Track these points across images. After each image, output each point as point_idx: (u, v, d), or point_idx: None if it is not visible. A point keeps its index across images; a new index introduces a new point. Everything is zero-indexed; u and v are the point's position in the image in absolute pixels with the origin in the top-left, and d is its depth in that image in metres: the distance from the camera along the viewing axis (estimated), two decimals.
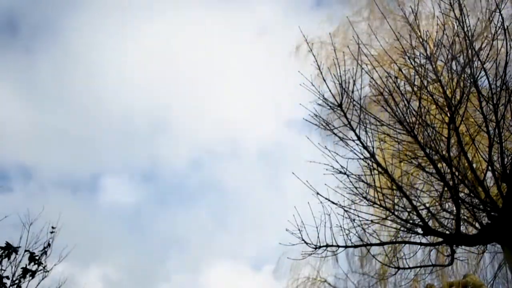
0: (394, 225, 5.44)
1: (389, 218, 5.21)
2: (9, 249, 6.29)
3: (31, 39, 14.59)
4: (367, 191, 5.26)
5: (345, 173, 5.23)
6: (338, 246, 5.17)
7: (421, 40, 5.09)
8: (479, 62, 4.40)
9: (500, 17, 4.33)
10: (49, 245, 6.76)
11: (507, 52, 4.23)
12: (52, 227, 6.83)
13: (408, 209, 4.99)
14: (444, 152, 4.63)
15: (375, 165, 5.07)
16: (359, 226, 5.19)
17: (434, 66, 5.10)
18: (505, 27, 4.28)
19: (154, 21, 15.21)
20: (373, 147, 5.07)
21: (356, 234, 5.21)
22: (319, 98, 5.25)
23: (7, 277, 6.19)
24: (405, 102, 4.84)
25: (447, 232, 4.90)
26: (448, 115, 4.59)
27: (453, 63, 4.73)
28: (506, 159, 4.40)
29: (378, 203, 4.98)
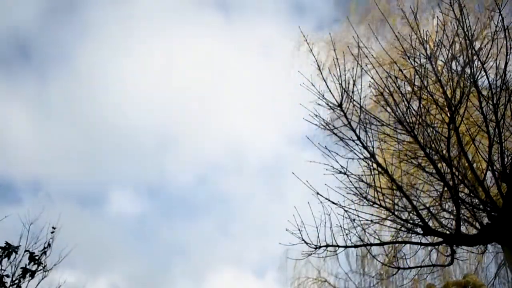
0: (394, 225, 5.44)
1: (389, 218, 5.21)
2: (9, 249, 6.29)
3: (42, 65, 15.61)
4: (367, 191, 5.26)
5: (345, 173, 5.23)
6: (338, 246, 5.17)
7: (421, 40, 5.09)
8: (479, 62, 4.40)
9: (500, 17, 4.33)
10: (49, 245, 6.76)
11: (507, 52, 4.23)
12: (53, 227, 6.84)
13: (408, 209, 4.99)
14: (444, 152, 4.63)
15: (375, 165, 5.07)
16: (359, 226, 5.19)
17: (434, 66, 5.10)
18: (505, 27, 4.27)
19: (158, 42, 15.92)
20: (373, 147, 5.07)
21: (356, 234, 5.20)
22: (319, 98, 5.25)
23: (7, 276, 6.19)
24: (405, 102, 4.84)
25: (447, 232, 4.89)
26: (448, 115, 4.58)
27: (453, 63, 4.73)
28: (506, 159, 4.40)
29: (378, 203, 4.98)
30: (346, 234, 5.06)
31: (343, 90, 5.07)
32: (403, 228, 5.14)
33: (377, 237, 5.46)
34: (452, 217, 5.18)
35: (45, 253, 6.65)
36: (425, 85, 4.85)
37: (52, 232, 6.81)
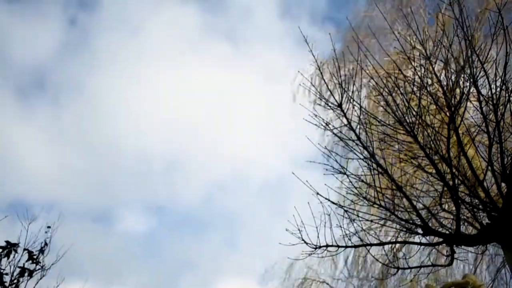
0: (394, 225, 5.44)
1: (389, 218, 5.21)
2: (9, 247, 6.29)
3: (57, 94, 16.93)
4: (367, 191, 5.26)
5: (345, 173, 5.23)
6: (338, 246, 5.16)
7: (420, 40, 5.09)
8: (478, 62, 4.40)
9: (500, 17, 4.33)
10: (46, 244, 6.75)
11: (507, 52, 4.23)
12: (48, 226, 6.82)
13: (408, 209, 4.99)
14: (444, 152, 4.63)
15: (375, 165, 5.07)
16: (359, 226, 5.19)
17: (434, 66, 5.11)
18: (505, 27, 4.28)
19: (167, 71, 16.98)
20: (373, 147, 5.07)
21: (356, 234, 5.20)
22: (319, 98, 5.26)
23: (7, 274, 6.18)
24: (405, 102, 4.84)
25: (447, 232, 4.89)
26: (448, 115, 4.59)
27: (453, 63, 4.73)
28: (506, 159, 4.40)
29: (378, 203, 4.98)
30: (346, 234, 5.06)
31: (343, 90, 5.08)
32: (403, 228, 5.13)
33: (377, 237, 5.47)
34: (452, 217, 5.18)
35: (42, 252, 6.64)
36: (425, 85, 4.85)
37: (46, 232, 6.79)
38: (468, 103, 4.61)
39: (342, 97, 5.11)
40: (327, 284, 12.07)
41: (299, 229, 5.08)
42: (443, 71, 5.08)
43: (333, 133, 5.31)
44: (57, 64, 17.28)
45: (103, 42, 17.20)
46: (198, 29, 18.25)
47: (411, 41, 5.18)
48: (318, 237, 5.03)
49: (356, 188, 5.20)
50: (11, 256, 6.31)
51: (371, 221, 5.34)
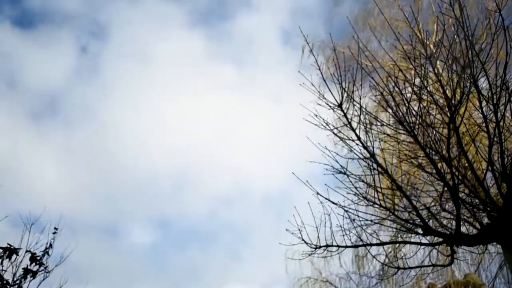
0: (394, 225, 5.44)
1: (389, 218, 5.21)
2: (10, 250, 6.29)
3: (68, 117, 18.11)
4: (367, 191, 5.27)
5: (345, 173, 5.23)
6: (338, 246, 5.16)
7: (421, 40, 5.09)
8: (479, 62, 4.40)
9: (500, 17, 4.33)
10: (50, 245, 6.76)
11: (507, 52, 4.22)
12: (55, 228, 6.83)
13: (408, 209, 4.99)
14: (444, 152, 4.63)
15: (375, 165, 5.07)
16: (359, 226, 5.19)
17: (434, 66, 5.11)
18: (505, 27, 4.27)
19: (173, 94, 18.13)
20: (373, 147, 5.07)
21: (356, 234, 5.21)
22: (319, 98, 5.25)
23: (7, 283, 6.19)
24: (405, 102, 4.84)
25: (447, 232, 4.89)
26: (448, 115, 4.58)
27: (453, 63, 4.73)
28: (506, 159, 4.40)
29: (378, 203, 4.98)
30: (346, 234, 5.06)
31: (343, 90, 5.07)
32: (403, 228, 5.14)
33: (377, 237, 5.47)
34: (452, 217, 5.18)
35: (47, 253, 6.64)
36: (425, 85, 4.85)
37: (54, 233, 6.80)
38: (469, 103, 4.61)
39: (342, 97, 5.11)
40: (330, 283, 12.09)
41: (299, 229, 5.08)
42: (444, 71, 5.08)
43: (333, 133, 5.31)
44: (69, 89, 18.46)
45: (112, 68, 18.54)
46: (204, 55, 19.39)
47: (412, 42, 5.17)
48: (318, 237, 5.04)
49: (356, 188, 5.20)
50: (13, 258, 6.32)
51: (371, 221, 5.35)
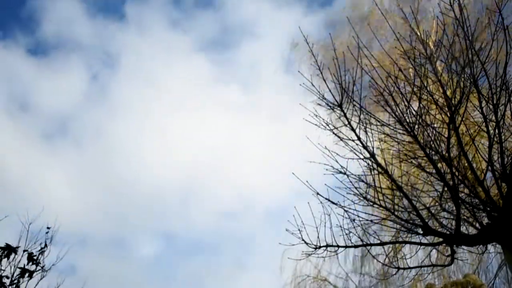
0: (394, 225, 5.43)
1: (389, 218, 5.20)
2: (9, 250, 6.29)
3: (79, 137, 19.16)
4: (367, 191, 5.26)
5: (345, 173, 5.23)
6: (338, 246, 5.16)
7: (421, 40, 5.09)
8: (479, 62, 4.39)
9: (500, 17, 4.32)
10: (46, 245, 6.75)
11: (507, 52, 4.22)
12: (47, 227, 6.83)
13: (408, 209, 4.99)
14: (444, 152, 4.63)
15: (375, 165, 5.07)
16: (359, 226, 5.19)
17: (434, 66, 5.10)
18: (505, 27, 4.27)
19: (179, 115, 19.43)
20: (373, 147, 5.07)
21: (356, 234, 5.20)
22: (319, 98, 5.25)
23: (7, 277, 6.19)
24: (405, 102, 4.84)
25: (447, 232, 4.89)
26: (448, 115, 4.58)
27: (453, 63, 4.72)
28: (506, 159, 4.40)
29: (378, 203, 4.98)
30: (346, 234, 5.06)
31: (343, 90, 5.07)
32: (403, 228, 5.13)
33: (377, 237, 5.46)
34: (452, 217, 5.18)
35: (43, 253, 6.64)
36: (425, 85, 4.85)
37: (47, 233, 6.79)
38: (469, 103, 4.60)
39: (342, 97, 5.11)
40: (329, 282, 12.10)
41: (299, 229, 5.08)
42: (444, 71, 5.07)
43: (333, 133, 5.30)
44: (79, 112, 19.70)
45: (121, 92, 19.97)
46: (209, 78, 20.61)
47: (412, 41, 5.16)
48: (318, 237, 5.03)
49: (356, 188, 5.20)
50: (11, 257, 6.31)
51: (371, 221, 5.34)
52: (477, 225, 4.78)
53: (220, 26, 21.51)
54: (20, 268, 6.35)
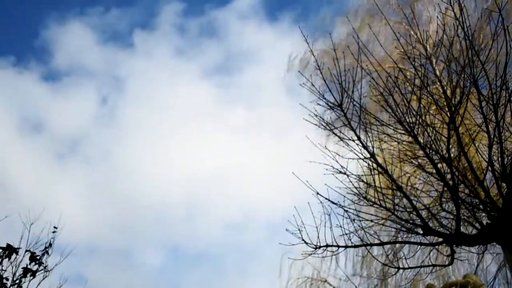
0: (394, 225, 5.44)
1: (389, 218, 5.21)
2: (10, 250, 6.30)
3: (89, 156, 20.21)
4: (367, 191, 5.26)
5: (345, 173, 5.23)
6: (338, 246, 5.16)
7: (420, 40, 5.09)
8: (479, 62, 4.40)
9: (500, 17, 4.32)
10: (50, 245, 6.76)
11: (507, 52, 4.22)
12: (54, 227, 6.83)
13: (408, 209, 4.99)
14: (444, 152, 4.63)
15: (375, 165, 5.07)
16: (359, 226, 5.19)
17: (434, 66, 5.11)
18: (505, 27, 4.27)
19: (185, 135, 20.59)
20: (373, 147, 5.07)
21: (356, 234, 5.20)
22: (319, 98, 5.25)
23: (7, 279, 6.19)
24: (405, 102, 4.84)
25: (447, 232, 4.89)
26: (448, 115, 4.58)
27: (453, 63, 4.73)
28: (506, 159, 4.40)
29: (378, 203, 4.98)
30: (346, 234, 5.06)
31: (343, 90, 5.07)
32: (403, 228, 5.14)
33: (377, 237, 5.47)
34: (452, 217, 5.18)
35: (47, 253, 6.65)
36: (425, 85, 4.85)
37: (53, 232, 6.80)
38: (468, 103, 4.61)
39: (342, 97, 5.11)
40: (328, 283, 12.09)
41: (299, 229, 5.08)
42: (444, 71, 5.08)
43: (333, 133, 5.31)
44: (89, 133, 21.08)
45: (128, 114, 21.25)
46: (213, 101, 21.88)
47: (412, 41, 5.17)
48: (318, 237, 5.04)
49: (356, 188, 5.20)
50: (13, 257, 6.32)
51: (371, 221, 5.34)
52: (477, 225, 4.79)
53: (224, 54, 22.75)
54: (22, 268, 6.36)
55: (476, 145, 4.96)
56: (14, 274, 6.31)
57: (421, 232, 4.91)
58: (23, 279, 6.32)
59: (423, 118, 4.79)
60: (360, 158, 5.14)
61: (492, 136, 4.35)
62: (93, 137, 21.11)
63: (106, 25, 21.90)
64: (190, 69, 22.85)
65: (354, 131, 5.08)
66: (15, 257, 6.37)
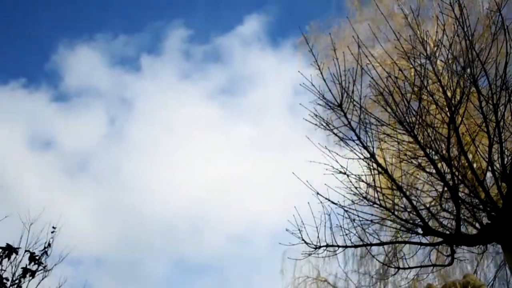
0: (394, 225, 5.44)
1: (389, 218, 5.21)
2: (9, 250, 6.29)
3: (98, 173, 21.18)
4: (367, 191, 5.26)
5: (345, 173, 5.23)
6: (338, 246, 5.16)
7: (421, 40, 5.09)
8: (479, 62, 4.39)
9: (500, 17, 4.32)
10: (49, 245, 6.75)
11: (507, 52, 4.22)
12: (53, 227, 6.83)
13: (408, 209, 4.99)
14: (444, 152, 4.63)
15: (375, 165, 5.07)
16: (359, 226, 5.19)
17: (434, 66, 5.11)
18: (505, 27, 4.27)
19: (189, 150, 21.27)
20: (373, 147, 5.07)
21: (356, 234, 5.20)
22: (319, 98, 5.25)
23: (6, 279, 6.19)
24: (405, 102, 4.83)
25: (447, 232, 4.89)
26: (448, 115, 4.58)
27: (453, 63, 4.72)
28: (506, 159, 4.40)
29: (378, 203, 4.98)
30: (346, 234, 5.06)
31: (343, 90, 5.07)
32: (403, 228, 5.14)
33: (377, 237, 5.46)
34: (452, 217, 5.18)
35: (46, 253, 6.65)
36: (425, 85, 4.85)
37: (52, 232, 6.80)
38: (469, 103, 4.60)
39: (342, 97, 5.11)
40: (328, 283, 12.11)
41: (299, 229, 5.08)
42: (444, 71, 5.07)
43: (333, 133, 5.30)
44: (98, 151, 22.02)
45: (136, 133, 22.28)
46: (217, 119, 22.64)
47: (412, 41, 5.16)
48: (318, 237, 5.04)
49: (356, 188, 5.20)
50: (12, 257, 6.32)
51: (371, 221, 5.34)
52: (477, 225, 4.79)
53: (228, 77, 23.88)
54: (22, 268, 6.35)
55: (476, 145, 4.95)
56: (13, 274, 6.31)
57: (421, 232, 4.91)
58: (22, 279, 6.32)
59: (423, 118, 4.78)
60: (360, 158, 5.14)
61: (492, 136, 4.35)
62: (102, 155, 22.18)
63: (115, 50, 23.10)
64: (196, 91, 23.94)
65: (354, 131, 5.08)
66: (15, 257, 6.37)
